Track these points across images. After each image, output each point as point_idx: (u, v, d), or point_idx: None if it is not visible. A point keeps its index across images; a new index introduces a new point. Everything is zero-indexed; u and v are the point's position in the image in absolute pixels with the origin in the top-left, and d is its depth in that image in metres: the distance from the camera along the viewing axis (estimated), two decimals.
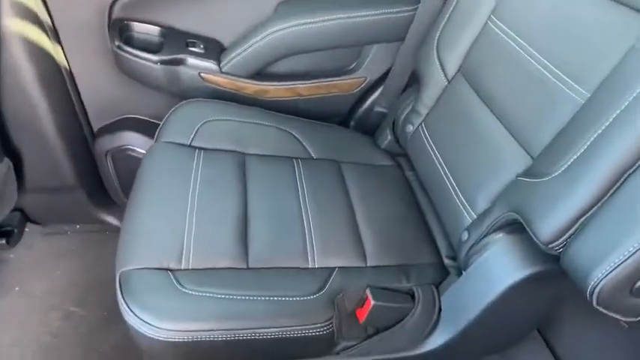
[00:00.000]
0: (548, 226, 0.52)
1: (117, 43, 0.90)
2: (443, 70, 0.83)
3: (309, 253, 0.71)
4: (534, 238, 0.55)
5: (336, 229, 0.77)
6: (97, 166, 1.10)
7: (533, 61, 0.64)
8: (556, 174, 0.54)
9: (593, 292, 0.47)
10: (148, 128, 1.01)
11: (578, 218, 0.50)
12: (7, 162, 0.92)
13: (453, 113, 0.80)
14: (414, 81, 0.97)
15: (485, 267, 0.63)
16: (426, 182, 0.86)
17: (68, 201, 1.09)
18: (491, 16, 0.73)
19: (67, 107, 0.99)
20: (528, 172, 0.61)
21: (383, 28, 0.97)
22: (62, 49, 0.93)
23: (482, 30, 0.75)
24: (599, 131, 0.50)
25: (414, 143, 0.89)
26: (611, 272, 0.45)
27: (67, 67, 0.96)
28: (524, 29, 0.67)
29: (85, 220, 1.16)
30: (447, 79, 0.82)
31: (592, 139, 0.51)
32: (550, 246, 0.53)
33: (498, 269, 0.61)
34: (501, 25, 0.71)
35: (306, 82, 1.02)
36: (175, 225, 0.68)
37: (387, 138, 0.99)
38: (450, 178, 0.76)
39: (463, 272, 0.67)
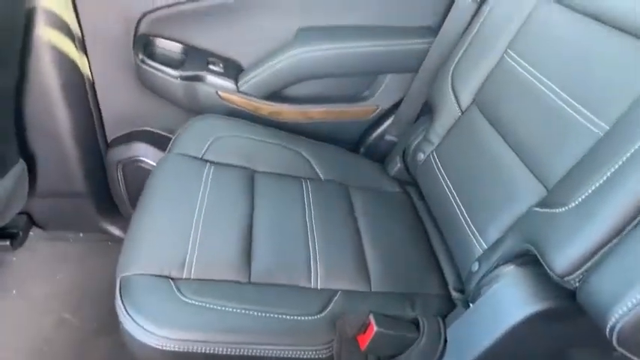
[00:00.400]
0: (563, 257, 0.51)
1: (140, 56, 0.93)
2: (457, 100, 0.84)
3: (312, 273, 0.69)
4: (549, 270, 0.53)
5: (342, 251, 0.75)
6: (106, 175, 1.11)
7: (550, 93, 0.64)
8: (572, 205, 0.53)
9: (613, 331, 0.44)
10: (162, 142, 1.03)
11: (595, 251, 0.48)
12: (22, 164, 0.93)
13: (466, 143, 0.80)
14: (426, 111, 0.98)
15: (494, 299, 0.61)
16: (435, 211, 0.85)
17: (74, 208, 1.10)
18: (508, 49, 0.75)
19: (85, 116, 1.01)
20: (543, 203, 0.59)
21: (398, 58, 0.99)
22: (88, 59, 0.96)
23: (498, 63, 0.76)
24: (618, 164, 0.49)
25: (424, 171, 0.89)
26: (633, 309, 0.42)
27: (90, 77, 0.99)
28: (542, 62, 0.68)
29: (89, 229, 1.16)
30: (461, 110, 0.83)
31: (610, 172, 0.50)
32: (566, 279, 0.51)
33: (508, 303, 0.59)
34: (518, 58, 0.72)
35: (319, 106, 1.04)
36: (180, 234, 0.68)
37: (396, 165, 0.99)
38: (461, 207, 0.75)
39: (471, 305, 0.65)
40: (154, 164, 0.99)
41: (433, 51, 0.94)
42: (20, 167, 0.92)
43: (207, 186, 0.77)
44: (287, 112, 1.02)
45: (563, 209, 0.53)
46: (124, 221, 1.16)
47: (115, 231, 1.15)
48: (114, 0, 0.90)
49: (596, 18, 0.62)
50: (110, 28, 0.93)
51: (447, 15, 0.91)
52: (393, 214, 0.89)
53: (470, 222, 0.72)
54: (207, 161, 0.83)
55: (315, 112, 1.04)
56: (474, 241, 0.69)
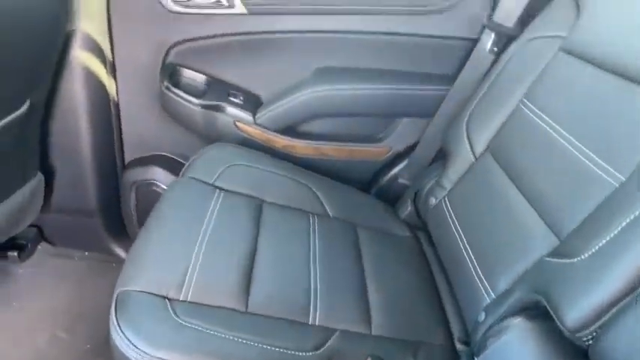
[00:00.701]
0: (576, 311, 0.48)
1: (166, 84, 0.97)
2: (471, 147, 0.83)
3: (311, 310, 0.67)
4: (559, 324, 0.50)
5: (344, 290, 0.73)
6: (119, 196, 1.13)
7: (565, 143, 0.64)
8: (586, 255, 0.50)
9: None
10: (177, 168, 1.04)
11: (610, 305, 0.46)
12: (39, 177, 0.96)
13: (479, 190, 0.79)
14: (440, 157, 0.98)
15: (500, 355, 0.57)
16: (444, 257, 0.83)
17: (84, 226, 1.11)
18: (524, 99, 0.75)
19: (107, 136, 1.05)
20: (555, 253, 0.57)
21: (414, 103, 1.01)
22: (116, 83, 1.01)
23: (514, 111, 0.77)
24: (634, 215, 0.47)
25: (435, 216, 0.87)
26: None
27: (116, 100, 1.03)
28: (558, 112, 0.68)
29: (95, 248, 1.16)
30: (475, 157, 0.83)
31: (625, 222, 0.48)
32: (577, 335, 0.48)
33: (515, 359, 0.55)
34: (534, 107, 0.72)
35: (333, 143, 1.05)
36: (182, 255, 0.67)
37: (407, 209, 0.98)
38: (471, 254, 0.73)
39: (475, 358, 0.61)
40: None
41: (449, 98, 0.96)
42: (37, 180, 0.95)
43: (215, 212, 0.77)
44: (300, 146, 1.03)
45: (576, 259, 0.51)
46: (130, 243, 1.15)
47: (121, 252, 1.15)
48: (147, 31, 0.96)
49: (611, 71, 0.62)
50: (140, 55, 0.98)
51: (464, 63, 0.93)
52: (401, 258, 0.87)
53: (479, 270, 0.70)
54: (217, 188, 0.83)
55: (328, 148, 1.05)
56: (482, 290, 0.66)
